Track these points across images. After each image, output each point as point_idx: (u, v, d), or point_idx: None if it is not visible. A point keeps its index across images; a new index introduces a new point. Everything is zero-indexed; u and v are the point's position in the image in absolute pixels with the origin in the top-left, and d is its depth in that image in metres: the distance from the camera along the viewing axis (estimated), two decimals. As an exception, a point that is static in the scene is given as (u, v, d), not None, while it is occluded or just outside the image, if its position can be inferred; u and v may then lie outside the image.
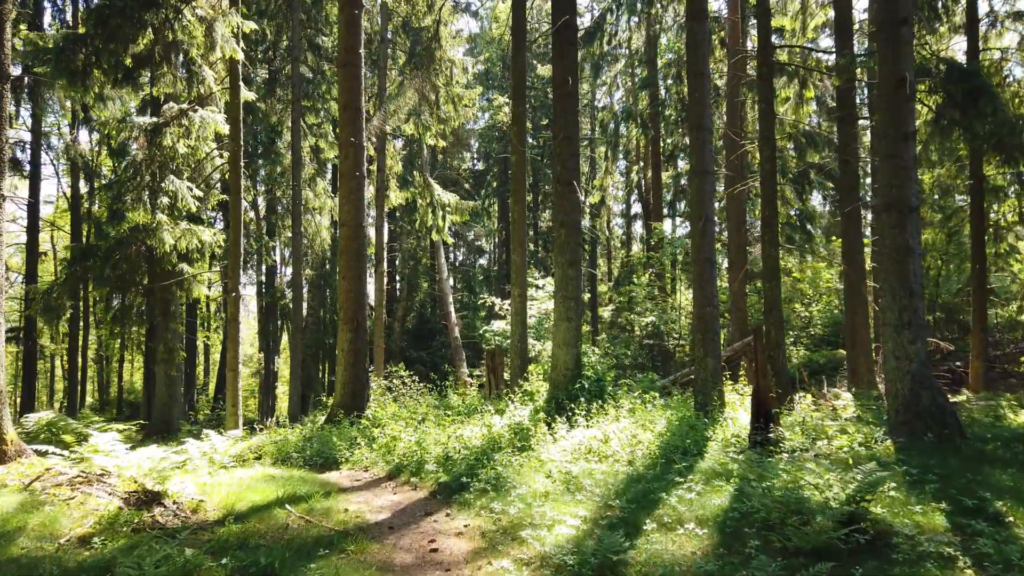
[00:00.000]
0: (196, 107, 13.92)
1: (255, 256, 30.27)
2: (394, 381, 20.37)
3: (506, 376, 20.08)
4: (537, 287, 27.08)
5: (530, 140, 40.77)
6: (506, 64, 37.95)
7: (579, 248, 12.69)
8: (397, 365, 22.43)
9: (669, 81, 30.51)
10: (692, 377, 20.97)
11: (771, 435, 9.43)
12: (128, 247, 14.09)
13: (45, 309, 14.08)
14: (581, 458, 9.44)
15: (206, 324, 36.33)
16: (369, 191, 28.74)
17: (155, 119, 13.67)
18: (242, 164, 14.48)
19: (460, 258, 45.10)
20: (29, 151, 26.41)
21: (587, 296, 36.07)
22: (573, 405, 11.54)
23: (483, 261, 46.76)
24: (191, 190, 13.82)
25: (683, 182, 32.42)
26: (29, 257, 25.72)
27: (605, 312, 36.49)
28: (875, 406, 14.38)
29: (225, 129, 14.60)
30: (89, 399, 42.39)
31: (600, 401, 11.92)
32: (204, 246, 15.50)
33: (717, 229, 32.56)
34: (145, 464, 8.78)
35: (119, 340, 15.20)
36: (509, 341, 24.55)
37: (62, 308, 14.31)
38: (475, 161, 44.89)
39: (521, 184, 15.03)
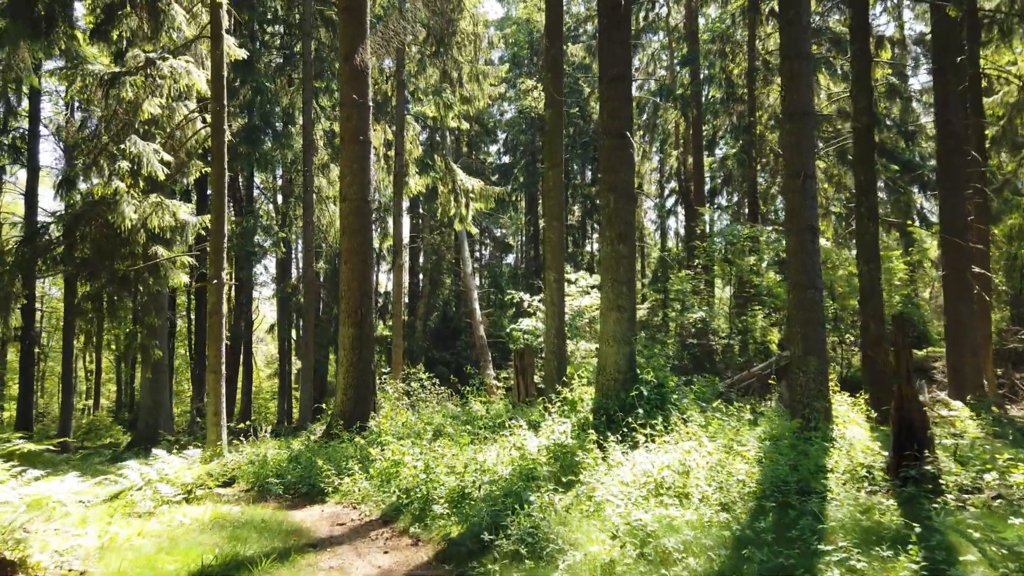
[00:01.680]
0: (166, 56, 11.25)
1: (269, 248, 27.64)
2: (412, 384, 17.68)
3: (537, 380, 17.17)
4: (568, 281, 24.06)
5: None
6: (534, 49, 35.08)
7: (632, 218, 9.75)
8: (417, 366, 19.70)
9: (709, 61, 27.39)
10: (751, 382, 17.80)
11: (927, 466, 6.41)
12: (87, 224, 11.47)
13: (-14, 298, 11.55)
14: (651, 497, 6.51)
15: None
16: (387, 179, 26.03)
17: (114, 68, 11.04)
18: (226, 128, 11.75)
19: (486, 255, 42.18)
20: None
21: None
22: (629, 419, 8.59)
23: (509, 260, 43.86)
24: (158, 154, 11.14)
25: (722, 170, 29.28)
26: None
27: (638, 311, 33.40)
28: (998, 416, 11.28)
29: (205, 87, 11.90)
30: (105, 402, 40.25)
31: (662, 413, 8.97)
32: (184, 227, 12.79)
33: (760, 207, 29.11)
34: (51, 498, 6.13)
35: (83, 337, 12.75)
36: (540, 340, 21.65)
37: (12, 297, 11.72)
38: (501, 155, 42.00)
39: (557, 144, 12.13)
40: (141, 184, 11.65)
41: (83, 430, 33.25)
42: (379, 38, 11.28)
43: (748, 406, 9.24)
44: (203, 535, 6.19)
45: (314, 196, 23.58)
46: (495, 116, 40.01)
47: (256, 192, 28.94)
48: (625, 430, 8.45)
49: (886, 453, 7.05)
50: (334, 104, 25.06)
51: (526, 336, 20.66)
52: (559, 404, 9.84)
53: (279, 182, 29.95)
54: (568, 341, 22.42)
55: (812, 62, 8.85)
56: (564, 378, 11.20)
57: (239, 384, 33.81)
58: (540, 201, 38.39)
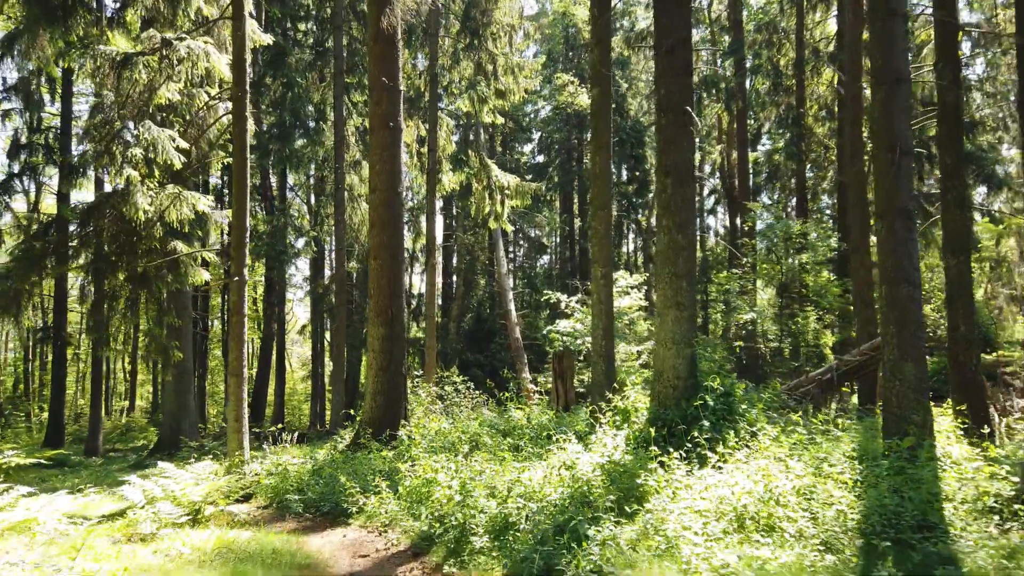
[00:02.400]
0: (183, 36, 10.37)
1: (302, 248, 26.87)
2: (446, 388, 16.73)
3: (576, 384, 16.06)
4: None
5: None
6: (569, 44, 33.96)
7: (692, 204, 8.60)
8: (451, 369, 18.71)
9: (754, 51, 25.95)
10: (808, 388, 16.48)
11: (1080, 499, 5.16)
12: (100, 217, 10.62)
13: (-9, 295, 10.72)
14: (733, 530, 5.36)
15: (259, 324, 33.17)
16: (420, 178, 25.07)
17: (126, 50, 10.19)
18: (249, 114, 10.85)
19: (520, 257, 41.05)
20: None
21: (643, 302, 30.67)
22: (694, 432, 7.42)
23: (543, 262, 42.65)
24: (174, 141, 10.24)
25: (768, 165, 27.82)
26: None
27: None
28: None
29: (226, 70, 10.99)
30: (141, 403, 39.93)
31: (730, 426, 7.79)
32: (205, 221, 11.92)
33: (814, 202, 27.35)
34: None
35: (101, 337, 11.98)
36: (579, 342, 20.48)
37: (22, 294, 10.93)
38: (535, 154, 40.88)
39: (604, 124, 10.98)
40: (157, 174, 10.79)
41: (119, 431, 32.83)
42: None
43: (833, 417, 8.00)
44: (201, 571, 5.19)
45: (345, 194, 22.75)
46: (529, 115, 38.98)
47: (289, 193, 28.19)
48: (689, 445, 7.29)
49: (1016, 479, 5.80)
50: (366, 100, 24.20)
51: (565, 338, 19.50)
52: (610, 414, 8.70)
53: (311, 181, 29.22)
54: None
55: (906, 21, 7.60)
56: (614, 383, 10.05)
57: (272, 387, 33.17)
58: (576, 201, 37.26)
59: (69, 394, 36.39)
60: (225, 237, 12.08)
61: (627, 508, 5.76)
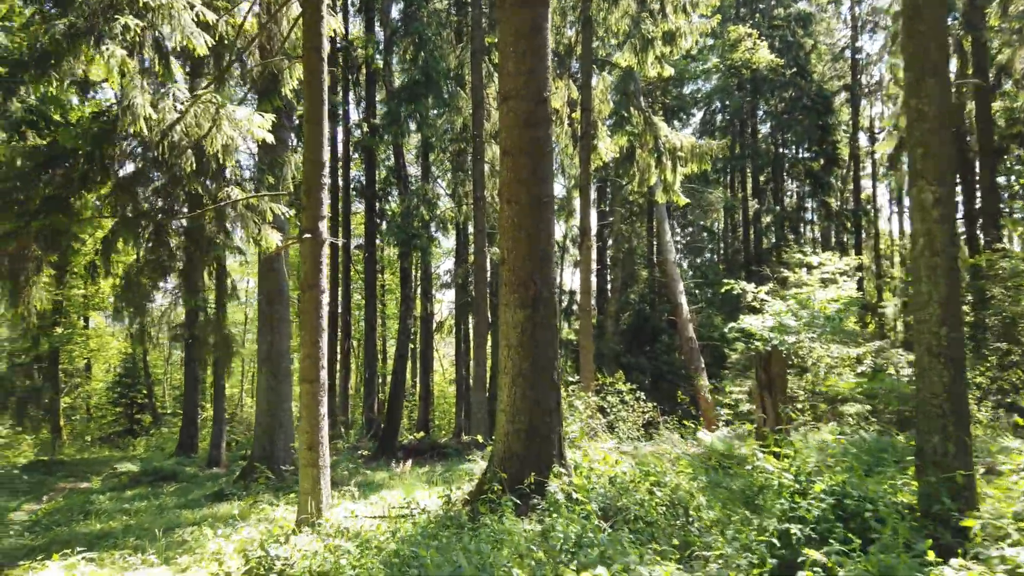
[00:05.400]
0: None
1: (438, 229, 23.12)
2: (609, 398, 12.25)
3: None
4: (810, 266, 17.06)
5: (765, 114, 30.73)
6: (741, -2, 28.33)
7: None
8: (616, 375, 14.09)
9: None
10: None
11: None
12: (108, 141, 7.01)
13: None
14: None
15: (410, 307, 29.87)
16: (570, 147, 20.63)
17: None
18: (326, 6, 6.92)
19: (680, 245, 35.47)
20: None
21: (855, 292, 24.25)
22: None
23: (705, 257, 36.76)
24: (192, 8, 6.33)
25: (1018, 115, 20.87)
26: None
27: (885, 309, 25.64)
28: None
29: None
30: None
31: None
32: (281, 163, 8.14)
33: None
34: None
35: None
36: (783, 339, 15.20)
37: (20, 263, 7.62)
38: (698, 136, 35.27)
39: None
40: (176, 70, 7.06)
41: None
42: None
43: None
44: None
45: (486, 168, 18.83)
46: (690, 93, 33.53)
47: (433, 185, 24.65)
48: None
49: None
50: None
51: (772, 333, 14.17)
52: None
53: (447, 155, 25.55)
54: (815, 343, 15.78)
55: None
56: (964, 404, 4.95)
57: (417, 390, 29.87)
58: (749, 182, 31.43)
59: (235, 394, 35.20)
60: (290, 176, 8.18)
61: None
